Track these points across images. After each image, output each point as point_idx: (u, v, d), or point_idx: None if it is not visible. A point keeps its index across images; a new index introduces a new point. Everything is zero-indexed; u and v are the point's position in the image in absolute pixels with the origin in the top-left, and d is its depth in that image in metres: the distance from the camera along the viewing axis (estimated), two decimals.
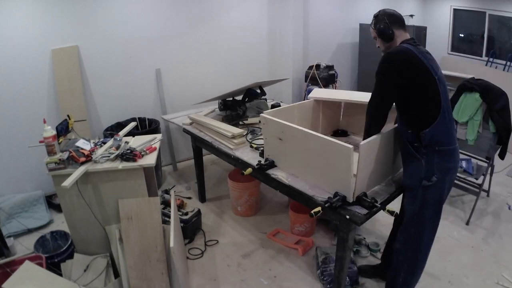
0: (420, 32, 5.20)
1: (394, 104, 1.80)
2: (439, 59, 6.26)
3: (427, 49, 1.79)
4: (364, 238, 2.67)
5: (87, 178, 2.02)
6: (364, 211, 1.70)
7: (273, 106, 3.08)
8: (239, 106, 2.99)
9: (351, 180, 1.67)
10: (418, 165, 1.75)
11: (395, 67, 1.66)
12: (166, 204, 2.78)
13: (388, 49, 1.78)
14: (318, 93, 2.66)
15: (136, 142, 2.29)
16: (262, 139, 2.52)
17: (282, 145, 2.04)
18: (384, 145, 1.86)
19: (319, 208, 1.70)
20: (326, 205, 1.71)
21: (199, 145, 2.99)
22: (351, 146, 1.61)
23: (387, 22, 1.76)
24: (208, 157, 4.02)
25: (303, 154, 1.93)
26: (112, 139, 2.25)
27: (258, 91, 3.16)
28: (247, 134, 2.67)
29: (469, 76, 3.26)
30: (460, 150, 3.14)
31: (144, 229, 2.08)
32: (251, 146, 2.44)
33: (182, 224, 2.64)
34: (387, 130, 1.87)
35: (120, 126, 3.37)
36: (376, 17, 1.81)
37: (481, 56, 6.49)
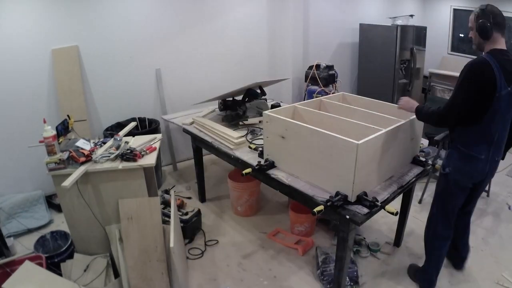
0: (420, 32, 5.16)
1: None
2: (439, 59, 6.28)
3: None
4: (364, 238, 2.67)
5: (87, 178, 2.02)
6: (364, 210, 1.70)
7: (273, 106, 3.07)
8: (239, 106, 2.99)
9: (354, 177, 1.68)
10: (447, 152, 2.01)
11: (479, 77, 1.71)
12: (166, 204, 2.77)
13: (480, 46, 1.82)
14: None
15: (136, 142, 2.29)
16: (261, 139, 2.52)
17: (283, 144, 2.04)
18: (385, 144, 1.86)
19: (321, 207, 1.71)
20: (328, 203, 1.72)
21: (199, 145, 2.99)
22: (357, 142, 1.62)
23: (491, 21, 1.73)
24: (208, 157, 4.02)
25: (305, 153, 1.93)
26: (112, 139, 2.25)
27: (258, 91, 3.16)
28: (247, 134, 2.67)
29: None
30: None
31: (144, 229, 2.08)
32: (250, 147, 2.44)
33: (182, 224, 2.64)
34: (389, 128, 1.87)
35: (120, 126, 3.37)
36: (483, 10, 1.76)
37: None
